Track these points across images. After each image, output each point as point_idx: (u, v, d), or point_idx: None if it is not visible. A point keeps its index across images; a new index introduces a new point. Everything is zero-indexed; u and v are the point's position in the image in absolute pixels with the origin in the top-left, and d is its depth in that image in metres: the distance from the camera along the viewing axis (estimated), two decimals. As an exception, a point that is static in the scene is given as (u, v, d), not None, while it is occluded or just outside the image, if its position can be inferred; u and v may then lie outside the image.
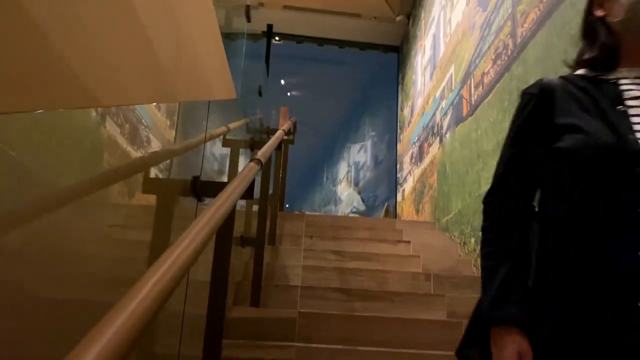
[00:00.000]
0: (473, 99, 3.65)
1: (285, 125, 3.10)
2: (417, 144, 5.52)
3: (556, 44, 2.38)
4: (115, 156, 1.05)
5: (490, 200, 1.04)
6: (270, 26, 6.81)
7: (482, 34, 3.54)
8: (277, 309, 2.58)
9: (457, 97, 4.06)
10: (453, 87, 4.23)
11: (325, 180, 11.75)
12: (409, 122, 6.13)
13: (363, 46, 7.26)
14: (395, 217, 6.51)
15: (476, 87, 3.60)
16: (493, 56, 3.29)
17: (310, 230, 3.99)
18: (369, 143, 8.57)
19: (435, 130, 4.72)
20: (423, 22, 5.75)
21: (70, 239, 0.83)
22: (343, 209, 6.81)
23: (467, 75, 3.84)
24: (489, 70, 3.35)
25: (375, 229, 4.10)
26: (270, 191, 3.64)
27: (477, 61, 3.61)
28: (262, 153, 1.71)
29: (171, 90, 1.31)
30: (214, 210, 1.05)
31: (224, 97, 2.35)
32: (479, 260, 3.48)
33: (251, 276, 2.70)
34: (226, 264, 1.45)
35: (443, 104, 4.52)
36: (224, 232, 1.45)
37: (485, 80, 3.40)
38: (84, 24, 0.73)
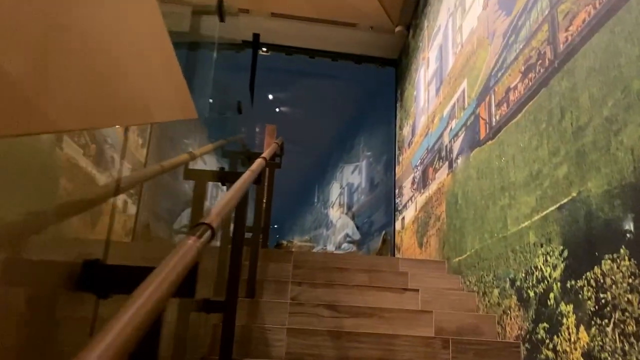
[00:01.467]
0: (494, 120, 3.09)
1: (267, 151, 2.49)
2: (420, 168, 4.95)
3: (624, 50, 1.81)
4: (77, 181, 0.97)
5: None
6: (256, 36, 6.26)
7: (506, 42, 2.99)
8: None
9: (473, 117, 3.49)
10: (466, 105, 3.67)
11: (316, 201, 11.14)
12: (410, 143, 5.57)
13: (358, 59, 6.72)
14: (394, 248, 5.92)
15: (498, 105, 3.03)
16: (522, 68, 2.73)
17: (298, 274, 3.38)
18: (363, 164, 8.00)
19: (443, 153, 4.15)
20: (426, 32, 5.22)
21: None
22: (336, 238, 6.22)
23: (486, 91, 3.28)
24: (516, 85, 2.79)
25: (376, 271, 3.49)
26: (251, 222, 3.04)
27: (499, 74, 3.06)
28: (215, 214, 1.10)
29: (100, 114, 1.08)
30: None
31: (179, 117, 1.77)
32: (504, 318, 2.90)
33: (220, 345, 2.09)
34: None
35: (453, 124, 3.95)
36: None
37: (512, 98, 2.84)
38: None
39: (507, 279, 2.69)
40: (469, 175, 3.45)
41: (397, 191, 6.08)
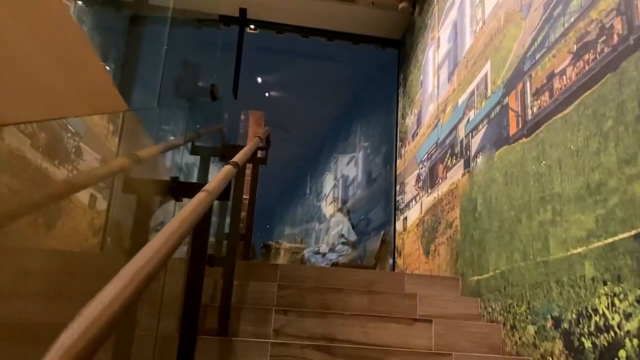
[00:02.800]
0: (530, 112, 2.51)
1: (240, 153, 1.88)
2: (427, 164, 4.37)
3: None
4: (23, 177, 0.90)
5: None
6: (243, 11, 5.62)
7: (548, 15, 2.40)
8: None
9: (499, 108, 2.92)
10: (489, 93, 3.09)
11: (308, 192, 10.57)
12: (414, 135, 4.99)
13: (357, 39, 6.10)
14: (394, 251, 5.37)
15: (537, 94, 2.46)
16: (574, 47, 2.15)
17: (285, 296, 2.82)
18: (360, 155, 7.42)
19: (458, 149, 3.58)
20: (436, 7, 4.61)
21: None
22: (329, 238, 5.67)
23: (517, 76, 2.70)
24: (564, 69, 2.21)
25: (378, 292, 2.93)
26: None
27: (538, 56, 2.48)
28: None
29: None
30: None
31: (104, 111, 1.27)
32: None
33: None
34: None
35: (471, 115, 3.37)
36: None
37: (558, 85, 2.26)
38: None
39: (549, 317, 2.14)
40: (493, 179, 2.88)
41: (398, 188, 5.52)
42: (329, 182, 9.01)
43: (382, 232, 5.63)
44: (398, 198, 5.49)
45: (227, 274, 2.42)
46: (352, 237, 5.60)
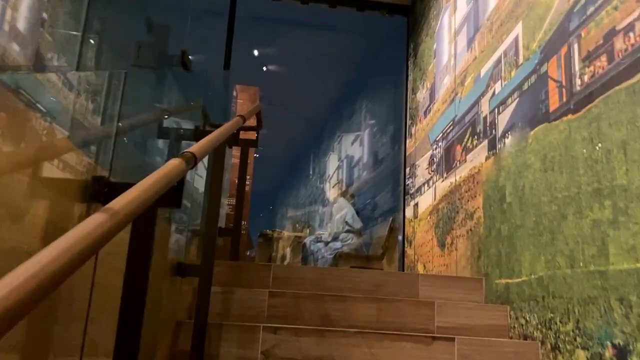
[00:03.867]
0: (578, 82, 2.03)
1: (205, 142, 1.42)
2: (442, 145, 3.90)
3: None
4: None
5: None
6: (235, -26, 5.09)
7: (607, -44, 1.90)
8: None
9: (534, 78, 2.43)
10: (521, 61, 2.60)
11: (311, 173, 10.11)
12: (427, 111, 4.50)
13: (362, 5, 5.56)
14: (404, 239, 4.93)
15: (588, 58, 1.97)
16: (647, -6, 1.66)
17: (277, 306, 2.39)
18: (366, 134, 6.94)
19: (480, 128, 3.10)
20: (452, -35, 4.08)
21: None
22: (333, 226, 5.23)
23: (560, 38, 2.21)
24: (632, 23, 1.72)
25: (388, 300, 2.50)
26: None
27: (591, 9, 1.98)
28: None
29: None
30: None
31: None
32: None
33: None
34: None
35: (497, 87, 2.89)
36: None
37: (621, 46, 1.78)
38: None
39: (608, 343, 1.69)
40: (527, 163, 2.41)
41: (408, 170, 5.05)
42: (332, 163, 8.54)
43: (391, 219, 5.19)
44: (408, 182, 5.02)
45: (203, 285, 1.98)
46: (357, 224, 5.17)
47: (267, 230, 5.27)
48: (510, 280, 2.49)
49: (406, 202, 5.03)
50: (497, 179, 2.76)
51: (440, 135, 3.98)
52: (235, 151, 3.85)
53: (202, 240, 2.16)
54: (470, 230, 3.13)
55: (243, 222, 4.70)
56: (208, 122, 3.14)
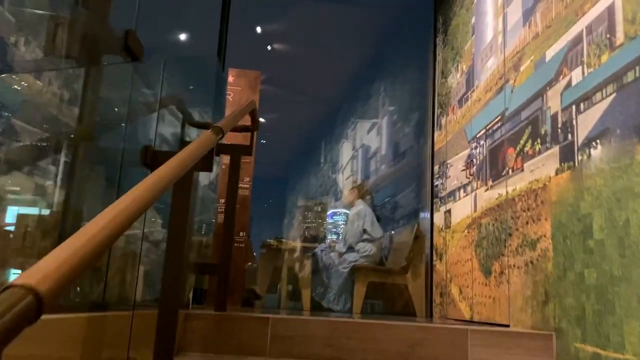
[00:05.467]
0: None
1: (142, 190, 0.80)
2: (485, 144, 3.19)
3: None
4: None
5: None
6: None
7: None
8: None
9: (650, 65, 1.70)
10: (619, 41, 1.87)
11: (322, 162, 9.40)
12: (463, 99, 3.77)
13: (381, -28, 4.79)
14: (432, 251, 4.24)
15: None
16: None
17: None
18: (384, 122, 6.20)
19: (547, 129, 2.38)
20: None
21: None
22: (348, 233, 4.52)
23: None
24: None
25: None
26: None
27: None
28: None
29: None
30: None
31: None
32: None
33: None
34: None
35: (575, 76, 2.16)
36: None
37: None
38: None
39: None
40: (634, 190, 1.70)
41: (436, 169, 4.34)
42: (346, 152, 7.82)
43: (416, 225, 4.49)
44: (437, 182, 4.32)
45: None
46: (377, 232, 4.47)
47: (271, 240, 4.60)
48: (602, 352, 1.80)
49: (435, 207, 4.33)
50: (577, 203, 2.05)
51: (483, 131, 3.25)
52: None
53: (159, 305, 1.49)
54: (531, 262, 2.43)
55: (242, 233, 4.04)
56: (190, 121, 2.47)
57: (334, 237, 10.02)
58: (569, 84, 2.20)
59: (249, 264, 4.38)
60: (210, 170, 1.63)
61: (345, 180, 7.62)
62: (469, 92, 3.62)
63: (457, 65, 3.99)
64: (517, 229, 2.63)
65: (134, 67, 1.45)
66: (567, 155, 2.17)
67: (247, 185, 4.13)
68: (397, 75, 5.84)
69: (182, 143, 2.13)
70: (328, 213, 9.74)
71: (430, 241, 4.33)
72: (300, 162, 10.45)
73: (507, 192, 2.79)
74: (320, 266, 4.47)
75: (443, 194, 4.11)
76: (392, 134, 5.88)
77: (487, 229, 3.06)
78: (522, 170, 2.61)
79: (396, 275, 4.42)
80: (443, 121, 4.28)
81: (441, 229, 4.10)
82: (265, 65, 6.25)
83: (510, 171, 2.78)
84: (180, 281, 1.49)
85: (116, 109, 1.57)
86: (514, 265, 2.64)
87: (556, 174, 2.25)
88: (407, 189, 5.10)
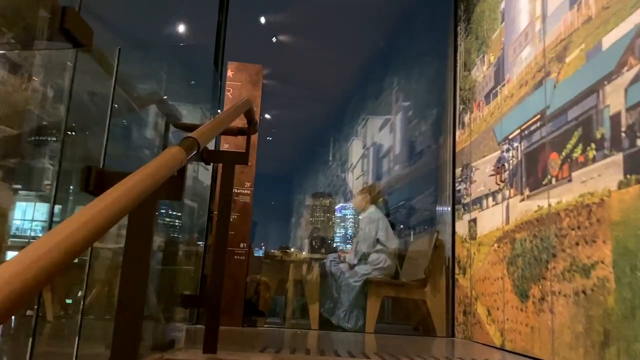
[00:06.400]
0: None
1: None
2: (521, 146, 2.80)
3: None
4: None
5: None
6: None
7: None
8: None
9: None
10: None
11: (330, 160, 9.01)
12: (490, 95, 3.38)
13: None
14: (453, 262, 3.86)
15: None
16: None
17: None
18: (397, 119, 5.81)
19: (604, 133, 1.99)
20: None
21: None
22: (360, 244, 4.11)
23: None
24: None
25: None
26: None
27: None
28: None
29: None
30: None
31: None
32: None
33: None
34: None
35: (647, 67, 1.76)
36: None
37: None
38: None
39: None
40: None
41: (459, 171, 3.95)
42: (356, 150, 7.43)
43: (436, 233, 4.10)
44: (459, 187, 3.93)
45: None
46: (392, 242, 4.08)
47: (275, 251, 4.24)
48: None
49: (457, 214, 3.94)
50: (653, 226, 1.66)
51: (517, 132, 2.86)
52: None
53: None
54: (584, 293, 2.04)
55: (242, 244, 3.68)
56: (175, 122, 2.10)
57: (342, 232, 9.70)
58: (636, 78, 1.81)
59: (257, 276, 4.02)
60: (179, 198, 1.26)
61: (355, 180, 7.24)
62: (499, 87, 3.22)
63: (483, 57, 3.59)
64: (563, 250, 2.24)
65: (80, 57, 1.09)
66: (634, 165, 1.78)
67: (248, 191, 3.76)
68: (413, 67, 5.44)
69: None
70: (337, 207, 9.42)
71: (452, 252, 3.95)
72: (307, 160, 10.08)
73: (549, 205, 2.40)
74: (329, 279, 4.10)
75: (467, 200, 3.73)
76: (406, 132, 5.48)
77: (524, 246, 2.67)
78: (570, 180, 2.22)
79: (413, 290, 4.04)
80: (466, 119, 3.88)
81: (464, 239, 3.72)
82: (270, 59, 5.87)
83: (553, 180, 2.39)
84: (136, 340, 1.12)
85: (43, 114, 1.20)
86: (559, 293, 2.26)
87: (619, 187, 1.86)
88: (424, 192, 4.72)
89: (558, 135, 2.37)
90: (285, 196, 11.93)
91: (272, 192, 10.70)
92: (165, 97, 1.96)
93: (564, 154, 2.30)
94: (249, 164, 3.81)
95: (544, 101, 2.53)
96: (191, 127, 2.21)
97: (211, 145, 3.55)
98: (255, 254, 4.50)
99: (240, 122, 2.15)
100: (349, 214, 8.87)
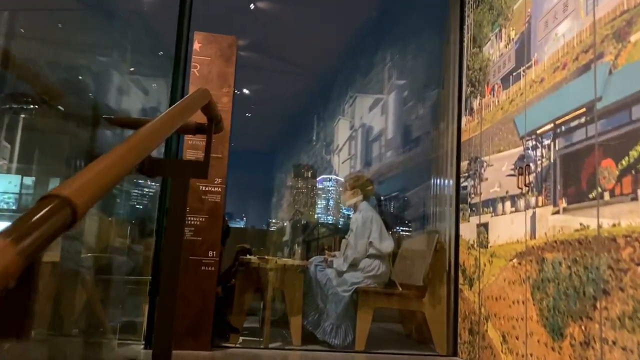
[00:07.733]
0: None
1: None
2: (554, 145, 2.28)
3: None
4: None
5: None
6: None
7: None
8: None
9: None
10: None
11: (314, 139, 8.44)
12: (509, 78, 2.84)
13: None
14: (457, 272, 3.37)
15: None
16: None
17: None
18: (390, 98, 5.25)
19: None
20: None
21: None
22: (350, 244, 3.56)
23: None
24: None
25: None
26: None
27: None
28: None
29: None
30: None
31: None
32: None
33: None
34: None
35: None
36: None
37: None
38: None
39: None
40: None
41: (465, 165, 3.44)
42: (342, 131, 6.87)
43: (436, 234, 3.60)
44: (465, 183, 3.42)
45: None
46: (387, 246, 3.55)
47: (251, 257, 3.71)
48: None
49: (462, 214, 3.44)
50: None
51: (549, 126, 2.33)
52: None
53: None
54: (657, 352, 1.54)
55: (211, 253, 3.14)
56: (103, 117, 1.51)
57: (324, 203, 9.27)
58: None
59: (220, 288, 3.50)
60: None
61: (341, 163, 6.70)
62: (522, 69, 2.68)
63: (500, 31, 3.03)
64: (621, 289, 1.74)
65: None
66: None
67: (219, 189, 3.20)
68: (409, 41, 4.84)
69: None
70: (318, 179, 9.01)
71: (455, 258, 3.46)
72: (289, 138, 9.49)
73: (599, 226, 1.89)
74: (313, 286, 3.59)
75: (475, 199, 3.22)
76: (401, 115, 4.93)
77: (557, 271, 2.17)
78: (636, 198, 1.71)
79: (410, 300, 3.56)
80: (475, 104, 3.35)
81: (471, 245, 3.22)
82: (246, 28, 5.23)
83: (606, 195, 1.87)
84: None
85: None
86: (613, 343, 1.76)
87: None
88: (422, 184, 4.20)
89: (615, 137, 1.84)
90: (267, 173, 11.39)
91: (252, 171, 10.16)
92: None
93: (624, 162, 1.78)
94: (220, 155, 3.25)
95: (593, 91, 1.99)
96: (134, 123, 1.65)
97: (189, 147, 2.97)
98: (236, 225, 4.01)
99: (198, 117, 1.59)
100: (330, 186, 8.50)
